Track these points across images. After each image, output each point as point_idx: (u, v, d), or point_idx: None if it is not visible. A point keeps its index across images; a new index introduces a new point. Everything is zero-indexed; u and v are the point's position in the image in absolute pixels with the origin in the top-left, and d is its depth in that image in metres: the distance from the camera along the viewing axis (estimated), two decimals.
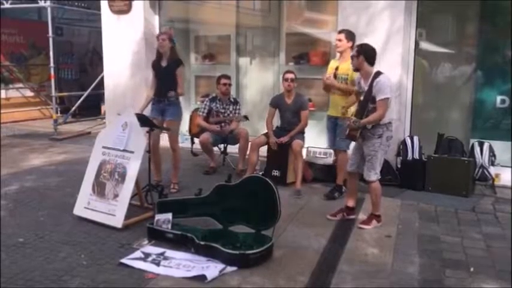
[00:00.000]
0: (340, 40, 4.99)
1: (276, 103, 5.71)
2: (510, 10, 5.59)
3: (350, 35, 5.02)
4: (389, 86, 4.14)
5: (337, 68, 5.00)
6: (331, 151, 5.77)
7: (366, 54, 4.19)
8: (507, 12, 5.62)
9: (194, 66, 8.33)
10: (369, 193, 4.46)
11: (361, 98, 4.28)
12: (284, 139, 5.49)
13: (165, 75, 5.15)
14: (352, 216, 4.54)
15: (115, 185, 4.35)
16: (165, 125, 5.16)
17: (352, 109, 4.50)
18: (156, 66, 5.25)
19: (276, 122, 5.89)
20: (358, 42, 5.95)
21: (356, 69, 4.33)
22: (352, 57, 4.29)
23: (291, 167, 5.59)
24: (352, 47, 5.01)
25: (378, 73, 4.17)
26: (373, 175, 4.25)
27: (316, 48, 7.20)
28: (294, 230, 4.23)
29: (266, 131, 5.74)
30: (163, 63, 5.19)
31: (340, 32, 5.09)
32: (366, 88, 4.19)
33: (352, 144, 4.55)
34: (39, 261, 3.56)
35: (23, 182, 5.67)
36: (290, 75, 5.53)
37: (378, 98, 4.09)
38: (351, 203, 4.56)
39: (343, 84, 4.93)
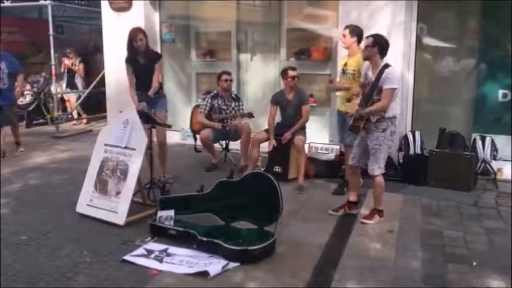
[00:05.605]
0: (344, 36, 4.98)
1: (277, 100, 5.69)
2: (511, 3, 5.57)
3: (354, 30, 4.97)
4: (397, 78, 4.17)
5: (345, 64, 5.00)
6: (333, 147, 5.77)
7: (380, 45, 4.18)
8: (508, 5, 5.59)
9: (195, 63, 8.33)
10: (371, 188, 4.46)
11: (367, 89, 4.25)
12: (287, 135, 5.46)
13: (146, 71, 5.21)
14: (354, 211, 4.54)
15: (117, 182, 4.35)
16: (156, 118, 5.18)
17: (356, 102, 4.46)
18: (133, 62, 5.28)
19: (277, 118, 5.88)
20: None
21: (366, 59, 4.29)
22: (366, 47, 4.23)
23: (293, 163, 5.59)
24: (357, 42, 4.99)
25: (387, 65, 4.17)
26: (377, 169, 4.24)
27: (317, 43, 7.17)
28: (296, 226, 4.24)
29: (267, 127, 5.72)
30: (141, 60, 5.25)
31: (345, 27, 5.06)
32: (373, 78, 4.18)
33: None
34: (42, 259, 3.57)
35: (26, 180, 5.70)
36: (293, 73, 5.51)
37: (384, 87, 4.08)
38: (353, 198, 4.55)
39: (348, 84, 4.87)
